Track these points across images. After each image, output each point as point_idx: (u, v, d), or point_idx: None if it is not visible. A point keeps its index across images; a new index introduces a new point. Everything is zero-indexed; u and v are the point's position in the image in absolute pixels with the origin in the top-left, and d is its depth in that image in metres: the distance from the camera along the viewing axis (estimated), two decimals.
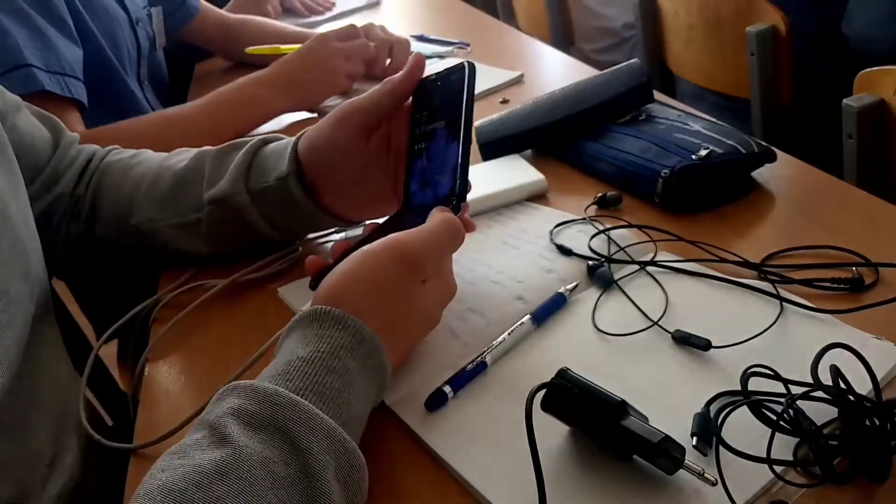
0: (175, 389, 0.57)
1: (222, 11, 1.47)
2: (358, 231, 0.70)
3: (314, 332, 0.44)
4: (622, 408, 0.41)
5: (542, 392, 0.43)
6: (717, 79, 1.46)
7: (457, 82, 0.56)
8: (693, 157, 0.66)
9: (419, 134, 0.59)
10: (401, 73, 0.59)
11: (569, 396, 0.41)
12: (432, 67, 1.22)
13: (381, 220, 0.60)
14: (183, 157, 0.71)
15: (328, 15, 1.76)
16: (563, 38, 1.90)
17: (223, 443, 0.37)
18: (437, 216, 0.51)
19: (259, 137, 0.68)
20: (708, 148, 0.66)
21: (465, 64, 0.56)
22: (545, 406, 0.43)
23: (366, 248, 0.49)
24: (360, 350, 0.44)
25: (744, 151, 0.67)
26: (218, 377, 0.56)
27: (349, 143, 0.61)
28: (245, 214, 0.65)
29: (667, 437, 0.39)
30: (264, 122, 1.03)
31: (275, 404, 0.39)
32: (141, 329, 0.66)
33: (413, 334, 0.51)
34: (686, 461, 0.39)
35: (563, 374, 0.43)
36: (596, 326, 0.54)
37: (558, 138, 0.79)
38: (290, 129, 1.05)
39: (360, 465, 0.40)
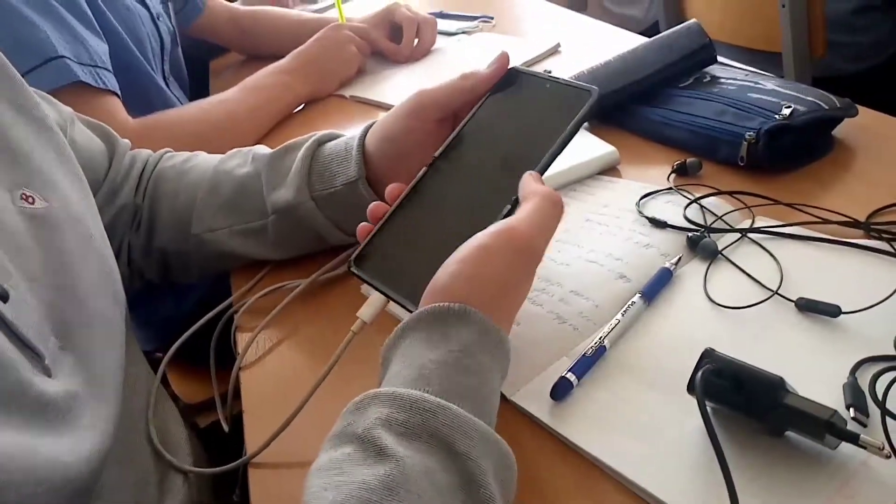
0: (277, 397, 0.55)
1: (232, 5, 1.43)
2: None
3: (440, 332, 0.41)
4: (781, 385, 0.39)
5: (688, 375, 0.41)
6: (743, 34, 1.43)
7: (571, 97, 0.54)
8: (776, 116, 0.64)
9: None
10: (487, 71, 0.57)
11: (722, 377, 0.40)
12: (459, 44, 1.19)
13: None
14: (238, 160, 0.68)
15: None
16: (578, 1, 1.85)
17: (382, 456, 0.35)
18: (534, 196, 0.47)
19: (313, 138, 0.65)
20: (790, 106, 0.64)
21: (594, 91, 0.53)
22: (690, 388, 0.41)
23: (479, 243, 0.45)
24: (489, 343, 0.42)
25: (826, 107, 0.65)
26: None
27: (423, 134, 0.59)
28: (312, 221, 0.63)
29: (836, 413, 0.38)
30: (294, 107, 1.05)
31: (425, 410, 0.37)
32: (221, 334, 0.64)
33: (517, 309, 0.47)
34: (862, 436, 0.37)
35: (709, 354, 0.41)
36: (711, 300, 0.52)
37: (620, 107, 0.77)
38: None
39: (512, 465, 0.39)
